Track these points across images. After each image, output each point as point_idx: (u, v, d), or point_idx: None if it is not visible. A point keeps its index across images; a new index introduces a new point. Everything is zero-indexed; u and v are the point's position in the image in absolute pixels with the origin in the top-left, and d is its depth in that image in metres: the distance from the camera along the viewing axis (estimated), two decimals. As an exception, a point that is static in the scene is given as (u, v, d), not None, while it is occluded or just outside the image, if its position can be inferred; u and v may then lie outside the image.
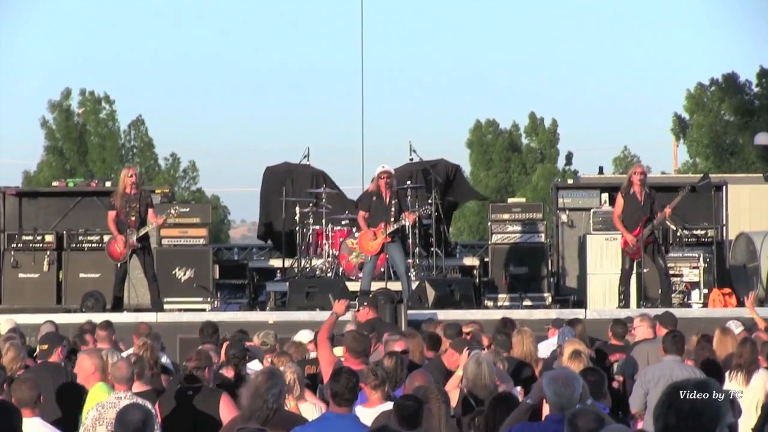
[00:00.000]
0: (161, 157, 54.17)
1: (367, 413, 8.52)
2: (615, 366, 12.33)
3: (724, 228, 20.19)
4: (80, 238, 19.48)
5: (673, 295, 18.25)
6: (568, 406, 7.40)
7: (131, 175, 17.32)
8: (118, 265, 17.42)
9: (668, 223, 19.55)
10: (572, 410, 6.85)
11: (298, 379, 9.51)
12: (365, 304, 14.21)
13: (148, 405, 9.02)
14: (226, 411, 9.17)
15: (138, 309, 17.70)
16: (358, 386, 8.38)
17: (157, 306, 17.39)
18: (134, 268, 17.82)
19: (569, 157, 57.13)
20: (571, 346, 10.86)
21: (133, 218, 17.18)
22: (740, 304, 18.07)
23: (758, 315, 13.79)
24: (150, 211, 17.34)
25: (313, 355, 11.88)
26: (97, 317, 14.71)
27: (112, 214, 17.26)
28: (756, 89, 44.80)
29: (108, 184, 20.52)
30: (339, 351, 10.73)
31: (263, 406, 7.95)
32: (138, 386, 9.68)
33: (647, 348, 12.05)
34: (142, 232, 17.26)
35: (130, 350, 11.47)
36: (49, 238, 19.48)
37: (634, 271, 17.63)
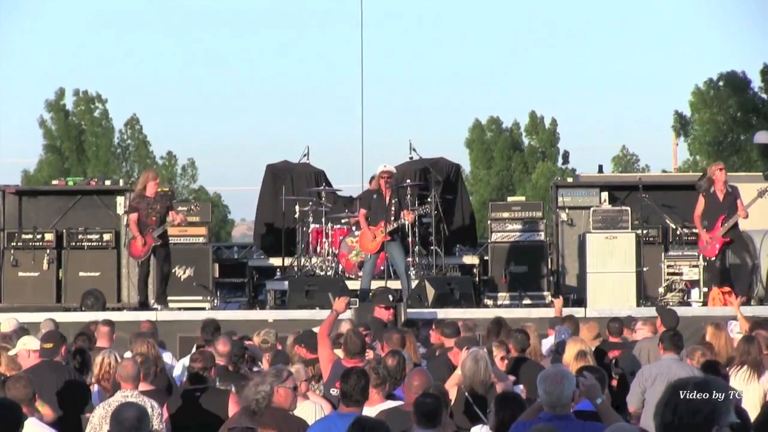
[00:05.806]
0: (158, 156, 54.18)
1: (367, 412, 8.54)
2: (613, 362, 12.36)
3: (724, 226, 20.14)
4: (80, 236, 19.46)
5: (674, 294, 18.28)
6: (558, 404, 7.41)
7: (156, 179, 17.64)
8: (139, 262, 17.57)
9: (668, 222, 19.56)
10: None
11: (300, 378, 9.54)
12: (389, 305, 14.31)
13: (155, 404, 9.05)
14: (235, 410, 9.20)
15: (137, 308, 17.72)
16: (368, 387, 8.40)
17: (161, 300, 17.47)
18: (135, 267, 17.88)
19: (568, 156, 57.23)
20: (573, 344, 10.87)
21: (154, 219, 17.45)
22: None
23: (743, 315, 13.77)
24: (171, 212, 17.58)
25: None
26: (97, 316, 14.73)
27: (134, 216, 17.46)
28: (758, 87, 44.82)
29: (108, 183, 20.54)
30: (339, 352, 10.75)
31: (253, 398, 8.21)
32: (143, 386, 9.69)
33: (648, 345, 12.11)
34: (161, 230, 17.45)
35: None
36: (48, 236, 19.48)
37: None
